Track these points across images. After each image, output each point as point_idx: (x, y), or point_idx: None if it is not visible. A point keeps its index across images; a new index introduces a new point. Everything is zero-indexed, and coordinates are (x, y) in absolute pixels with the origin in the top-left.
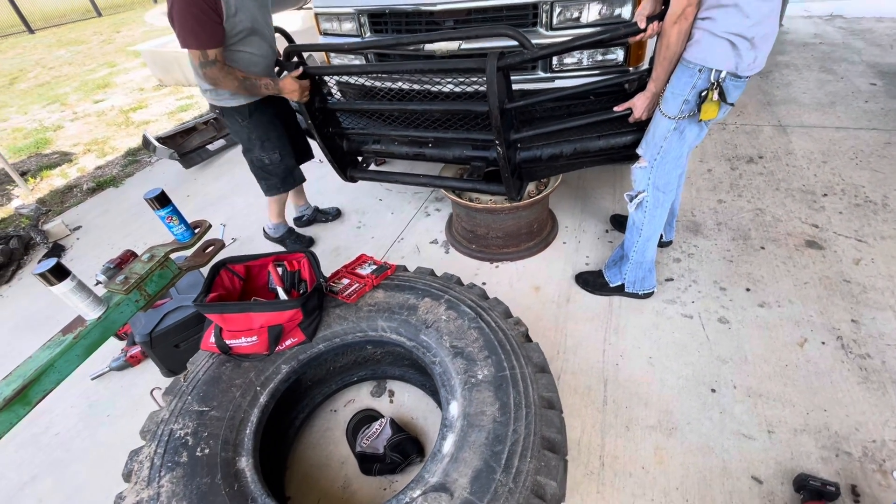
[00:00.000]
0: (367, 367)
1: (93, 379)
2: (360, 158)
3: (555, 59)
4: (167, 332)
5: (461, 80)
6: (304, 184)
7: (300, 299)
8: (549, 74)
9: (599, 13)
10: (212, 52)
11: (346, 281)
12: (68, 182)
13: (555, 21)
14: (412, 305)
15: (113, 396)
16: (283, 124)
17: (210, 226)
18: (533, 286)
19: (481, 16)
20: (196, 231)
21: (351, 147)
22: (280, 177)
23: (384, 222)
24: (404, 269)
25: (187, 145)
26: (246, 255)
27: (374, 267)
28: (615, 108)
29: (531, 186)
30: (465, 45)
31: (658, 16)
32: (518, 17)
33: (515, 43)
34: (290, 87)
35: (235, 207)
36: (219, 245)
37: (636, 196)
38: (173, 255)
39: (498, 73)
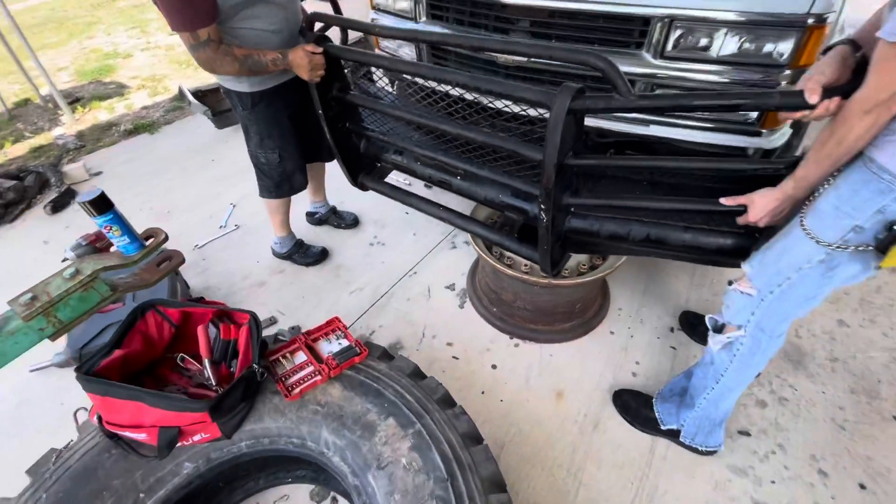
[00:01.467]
0: (310, 468)
1: (31, 371)
2: (378, 165)
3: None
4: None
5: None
6: (325, 178)
7: (208, 402)
8: (643, 115)
9: (739, 47)
10: (203, 31)
11: (299, 358)
12: (111, 118)
13: (670, 47)
14: (370, 424)
15: (43, 401)
16: (293, 119)
17: (166, 238)
18: (555, 389)
19: (568, 21)
20: (147, 243)
21: (369, 150)
22: (274, 181)
23: (402, 245)
24: (385, 353)
25: (224, 104)
26: (181, 302)
27: (341, 347)
28: (722, 201)
29: (583, 256)
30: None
31: (840, 89)
32: (618, 32)
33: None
34: (300, 61)
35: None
36: (177, 260)
37: (725, 330)
38: (113, 272)
39: (568, 116)
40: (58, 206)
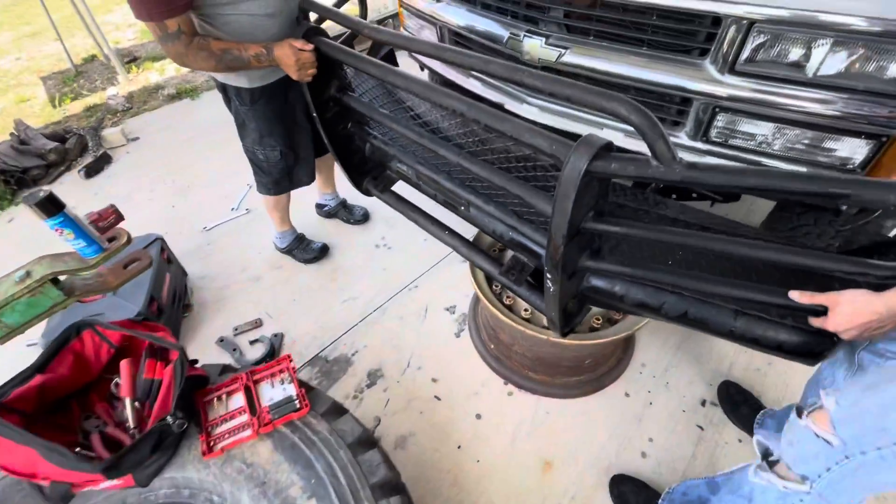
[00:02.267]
0: None
1: (28, 346)
2: (386, 171)
3: (719, 120)
4: None
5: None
6: (336, 168)
7: (100, 464)
8: (698, 144)
9: (848, 66)
10: (171, 22)
11: (235, 403)
12: (160, 81)
13: (744, 58)
14: (290, 502)
15: None
16: (298, 114)
17: (129, 239)
18: (544, 457)
19: (614, 15)
20: (107, 246)
21: (375, 154)
22: (273, 178)
23: (409, 250)
24: (334, 407)
25: None
26: (121, 325)
27: (284, 396)
28: (793, 296)
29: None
30: (571, 59)
31: None
32: (677, 34)
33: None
34: (286, 59)
35: None
36: (144, 262)
37: (778, 468)
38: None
39: (586, 178)
40: (91, 171)
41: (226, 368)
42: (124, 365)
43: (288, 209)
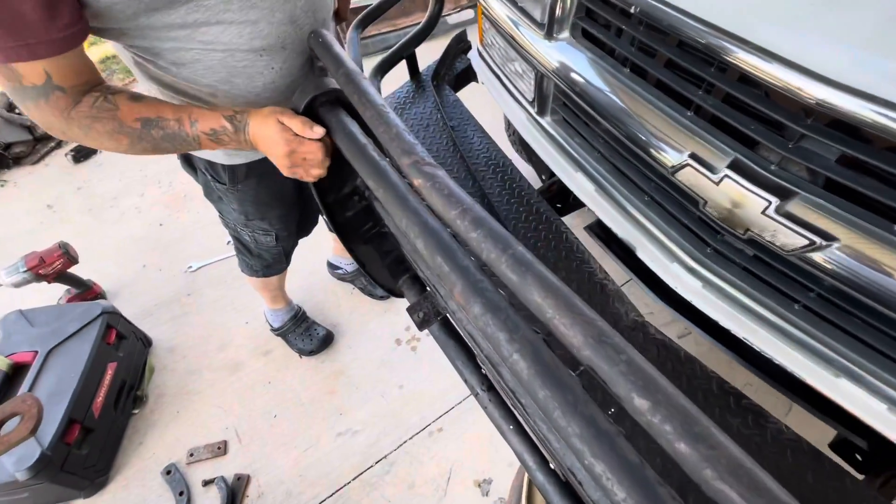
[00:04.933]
0: None
1: None
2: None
3: None
4: None
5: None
6: None
7: None
8: None
9: None
10: (31, 67)
11: None
12: None
13: None
14: None
15: None
16: (296, 190)
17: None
18: None
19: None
20: None
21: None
22: (265, 262)
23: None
24: None
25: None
26: None
27: None
28: None
29: None
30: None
31: None
32: None
33: None
34: (273, 146)
35: None
36: (28, 424)
37: None
38: None
39: None
40: (80, 155)
41: None
42: None
43: (283, 285)
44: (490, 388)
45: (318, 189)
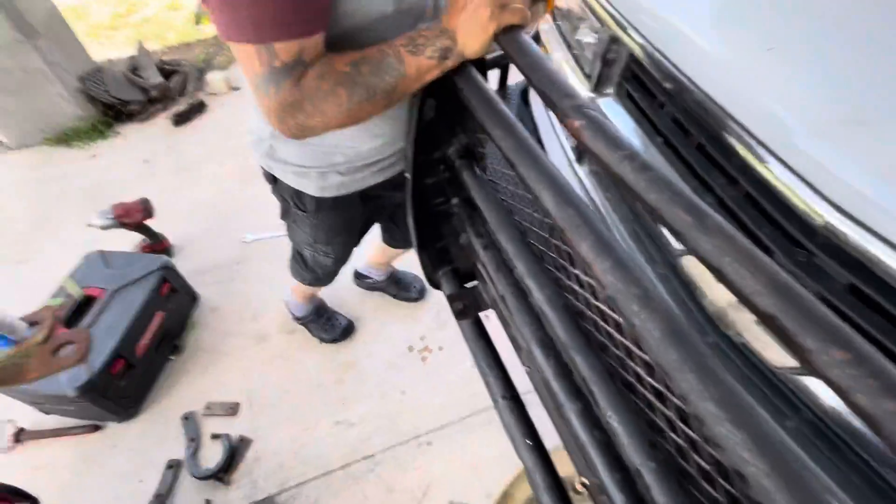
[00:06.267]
0: None
1: (88, 226)
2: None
3: None
4: None
5: None
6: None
7: None
8: None
9: None
10: (289, 46)
11: None
12: None
13: None
14: None
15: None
16: (363, 224)
17: (53, 326)
18: None
19: None
20: (26, 335)
21: (472, 255)
22: (315, 275)
23: (446, 373)
24: None
25: None
26: None
27: None
28: None
29: None
30: None
31: None
32: None
33: None
34: (477, 17)
35: None
36: (82, 349)
37: None
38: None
39: None
40: (181, 119)
41: None
42: None
43: (318, 291)
44: (513, 397)
45: (418, 134)
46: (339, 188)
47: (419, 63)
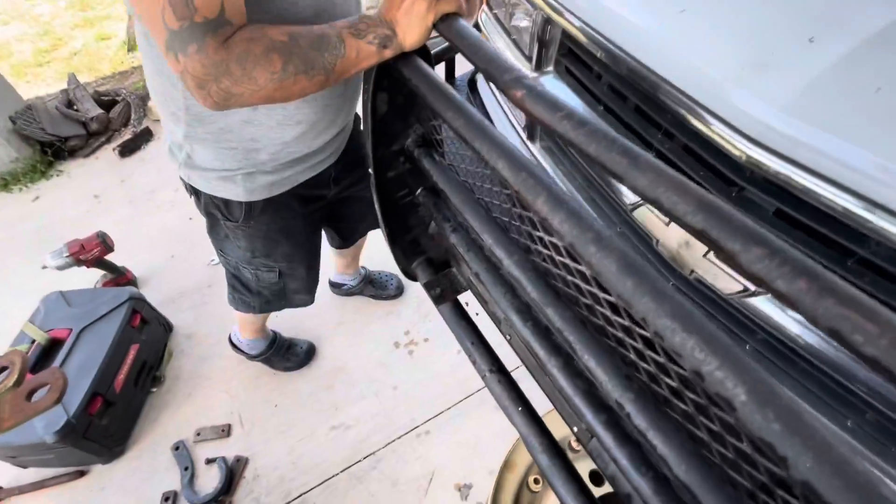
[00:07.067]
0: None
1: (43, 268)
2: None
3: None
4: None
5: None
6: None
7: None
8: None
9: None
10: (211, 5)
11: None
12: None
13: None
14: None
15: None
16: (309, 233)
17: (21, 377)
18: None
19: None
20: None
21: (442, 240)
22: (263, 298)
23: (435, 363)
24: None
25: None
26: None
27: None
28: None
29: None
30: None
31: None
32: None
33: None
34: (415, 7)
35: None
36: (57, 388)
37: None
38: None
39: None
40: (126, 149)
41: None
42: None
43: (267, 318)
44: (500, 370)
45: (375, 129)
46: (269, 188)
47: (360, 46)
